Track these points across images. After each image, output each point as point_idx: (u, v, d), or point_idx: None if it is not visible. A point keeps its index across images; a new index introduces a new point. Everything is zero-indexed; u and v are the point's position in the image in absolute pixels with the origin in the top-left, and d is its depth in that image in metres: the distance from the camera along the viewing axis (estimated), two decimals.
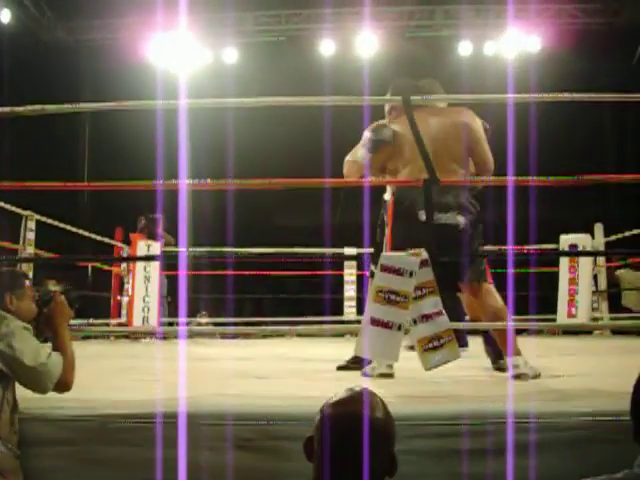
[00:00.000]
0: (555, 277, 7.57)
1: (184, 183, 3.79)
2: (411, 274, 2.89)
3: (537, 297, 7.14)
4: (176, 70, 10.93)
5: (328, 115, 7.94)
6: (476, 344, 4.49)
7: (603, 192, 10.79)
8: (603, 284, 8.46)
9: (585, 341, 7.39)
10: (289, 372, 4.22)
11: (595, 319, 7.90)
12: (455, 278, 3.77)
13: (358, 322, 3.49)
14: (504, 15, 10.88)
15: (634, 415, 1.58)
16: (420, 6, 11.71)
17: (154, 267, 7.42)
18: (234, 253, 8.81)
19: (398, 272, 2.89)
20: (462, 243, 3.69)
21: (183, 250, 7.17)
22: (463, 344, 4.88)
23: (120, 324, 7.99)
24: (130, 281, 7.65)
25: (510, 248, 6.59)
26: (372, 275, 3.41)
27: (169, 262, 7.58)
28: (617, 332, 8.32)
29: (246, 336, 8.37)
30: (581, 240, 7.51)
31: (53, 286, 2.94)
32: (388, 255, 2.95)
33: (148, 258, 7.57)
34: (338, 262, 8.93)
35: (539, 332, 7.80)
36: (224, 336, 7.85)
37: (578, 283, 7.34)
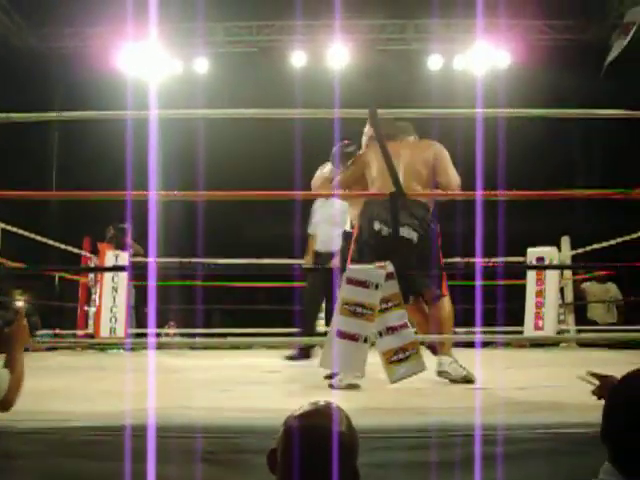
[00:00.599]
0: (522, 289, 7.63)
1: (154, 193, 3.77)
2: (377, 286, 2.90)
3: (505, 309, 7.20)
4: (147, 79, 10.88)
5: (299, 126, 7.94)
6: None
7: (571, 205, 10.90)
8: (570, 297, 8.55)
9: (552, 353, 7.45)
10: (257, 383, 4.21)
11: (562, 331, 7.98)
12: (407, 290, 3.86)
13: (326, 334, 3.50)
14: (474, 30, 10.98)
15: (606, 417, 1.59)
16: (391, 20, 11.78)
17: (122, 277, 7.37)
18: (204, 264, 8.77)
19: (364, 285, 2.90)
20: (414, 256, 3.96)
21: (152, 260, 7.13)
22: None
23: (87, 334, 7.91)
24: (97, 291, 7.58)
25: (478, 261, 6.65)
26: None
27: (138, 272, 7.51)
28: (583, 344, 8.41)
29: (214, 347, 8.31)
30: (548, 253, 7.58)
31: (19, 295, 2.91)
32: (354, 268, 2.95)
33: (117, 268, 7.51)
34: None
35: (507, 344, 7.86)
36: (193, 347, 7.79)
37: (545, 296, 7.41)
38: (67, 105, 10.33)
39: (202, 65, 11.86)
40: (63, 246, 7.89)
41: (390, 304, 2.95)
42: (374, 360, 3.28)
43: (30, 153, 11.43)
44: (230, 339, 6.60)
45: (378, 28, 11.87)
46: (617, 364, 1.62)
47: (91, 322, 7.98)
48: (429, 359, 3.17)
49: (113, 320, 7.31)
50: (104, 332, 7.29)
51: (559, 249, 7.95)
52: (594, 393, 2.35)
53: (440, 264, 4.27)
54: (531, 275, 7.52)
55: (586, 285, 9.21)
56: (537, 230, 9.21)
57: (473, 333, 5.95)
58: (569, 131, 11.71)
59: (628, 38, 9.27)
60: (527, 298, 7.53)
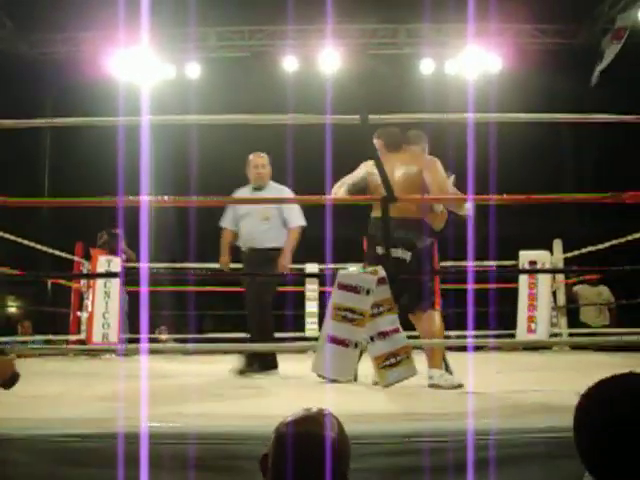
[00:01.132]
0: (515, 293, 7.65)
1: (146, 199, 3.77)
2: (368, 292, 2.91)
3: (497, 313, 7.21)
4: (139, 84, 10.88)
5: (291, 131, 7.96)
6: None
7: (563, 209, 10.94)
8: (562, 300, 8.57)
9: (544, 356, 7.47)
10: (249, 389, 4.21)
11: (554, 334, 7.99)
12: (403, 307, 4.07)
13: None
14: (465, 34, 11.02)
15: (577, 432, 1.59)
16: (383, 24, 11.81)
17: (114, 283, 7.35)
18: (197, 269, 8.76)
19: (355, 290, 2.90)
20: (407, 274, 4.12)
21: (145, 266, 7.12)
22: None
23: (79, 340, 7.89)
24: (90, 297, 7.57)
25: (470, 265, 6.67)
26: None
27: (130, 278, 7.50)
28: (576, 347, 8.43)
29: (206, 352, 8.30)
30: (540, 257, 7.60)
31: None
32: (345, 273, 2.96)
33: (110, 275, 7.50)
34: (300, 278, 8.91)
35: (499, 348, 7.87)
36: (185, 352, 7.78)
37: (537, 299, 7.43)
38: (59, 110, 10.32)
39: (194, 70, 11.86)
40: (57, 252, 7.87)
41: (382, 309, 2.96)
42: (366, 364, 3.29)
43: (23, 158, 11.42)
44: (222, 345, 6.57)
45: (370, 33, 11.89)
46: (609, 367, 1.62)
47: (84, 328, 7.97)
48: (420, 364, 3.18)
49: (106, 326, 7.30)
50: (97, 338, 7.27)
51: (551, 253, 7.97)
52: None
53: (432, 280, 4.38)
54: (523, 278, 7.54)
55: (578, 288, 9.23)
56: (529, 233, 9.24)
57: (465, 337, 5.97)
58: (561, 135, 11.76)
59: (621, 43, 9.31)
60: (519, 301, 7.55)
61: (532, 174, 10.48)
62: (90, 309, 7.49)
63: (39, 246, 7.53)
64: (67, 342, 7.97)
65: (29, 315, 10.94)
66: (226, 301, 9.32)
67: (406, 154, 4.55)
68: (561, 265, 8.25)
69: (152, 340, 8.47)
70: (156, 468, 2.27)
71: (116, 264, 7.44)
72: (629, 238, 6.78)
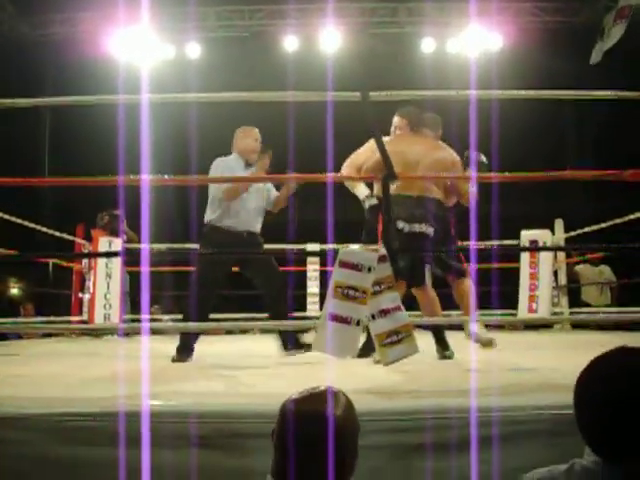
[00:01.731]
0: (517, 272, 7.64)
1: (146, 179, 3.75)
2: (369, 269, 2.89)
3: (499, 292, 7.21)
4: (139, 64, 10.83)
5: (292, 110, 7.91)
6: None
7: (566, 188, 10.91)
8: (563, 279, 8.57)
9: (546, 335, 7.48)
10: (251, 368, 4.21)
11: (555, 314, 7.99)
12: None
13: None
14: (466, 13, 10.95)
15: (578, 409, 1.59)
16: (383, 3, 11.74)
17: (116, 264, 7.34)
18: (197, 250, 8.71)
19: (356, 267, 2.88)
20: (432, 247, 4.47)
21: (145, 246, 7.10)
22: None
23: (81, 321, 7.90)
24: (91, 278, 7.56)
25: (473, 244, 6.66)
26: None
27: (131, 259, 7.48)
28: (577, 326, 8.44)
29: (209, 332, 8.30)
30: (541, 236, 7.59)
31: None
32: (346, 250, 2.94)
33: (110, 254, 7.49)
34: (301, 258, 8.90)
35: (501, 327, 7.88)
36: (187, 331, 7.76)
37: (539, 278, 7.42)
38: (59, 90, 10.27)
39: (194, 50, 11.82)
40: (57, 233, 7.86)
41: (383, 287, 2.94)
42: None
43: (22, 140, 11.38)
44: (225, 324, 6.57)
45: (370, 11, 11.83)
46: (610, 346, 1.61)
47: (85, 309, 7.98)
48: (422, 341, 3.17)
49: (107, 306, 7.30)
50: (98, 319, 7.27)
51: (552, 232, 7.95)
52: None
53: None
54: (525, 258, 7.53)
55: (579, 268, 9.23)
56: (532, 213, 9.22)
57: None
58: (562, 113, 11.72)
59: (626, 22, 9.21)
60: (521, 281, 7.54)
61: (533, 152, 10.46)
62: (92, 290, 7.48)
63: (40, 228, 7.51)
64: (70, 324, 7.97)
65: (31, 297, 10.96)
66: (230, 281, 9.32)
67: (428, 139, 4.69)
68: (562, 245, 8.24)
69: (153, 320, 8.47)
70: (157, 446, 2.27)
71: (117, 245, 7.43)
72: (631, 217, 6.76)
